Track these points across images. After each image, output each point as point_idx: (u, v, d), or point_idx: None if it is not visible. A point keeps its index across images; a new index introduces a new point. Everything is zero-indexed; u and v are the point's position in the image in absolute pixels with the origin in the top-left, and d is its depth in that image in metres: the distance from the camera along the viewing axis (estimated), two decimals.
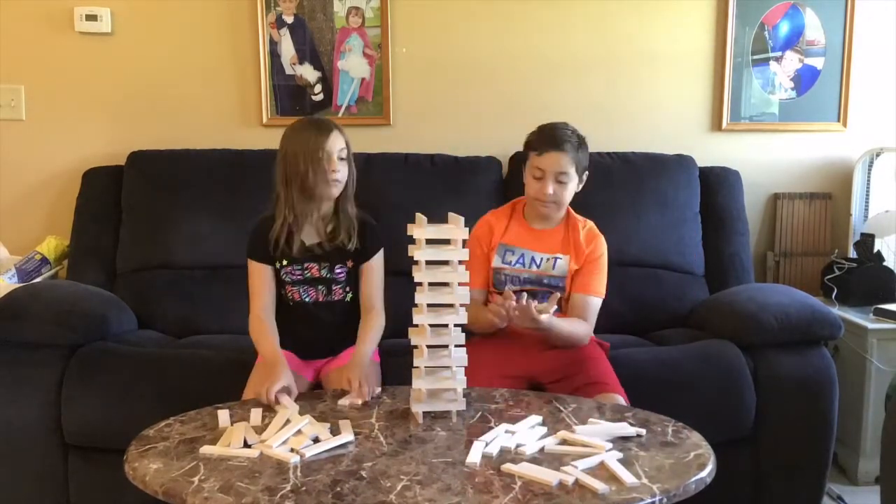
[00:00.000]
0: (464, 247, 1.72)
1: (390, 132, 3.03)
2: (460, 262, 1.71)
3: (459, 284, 1.72)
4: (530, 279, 2.19)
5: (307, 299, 2.14)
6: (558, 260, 2.19)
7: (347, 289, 2.15)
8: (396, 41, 3.02)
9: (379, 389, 1.92)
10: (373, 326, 2.10)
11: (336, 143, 2.08)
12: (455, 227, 1.71)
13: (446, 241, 1.72)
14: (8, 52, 2.93)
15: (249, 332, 2.11)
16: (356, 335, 2.10)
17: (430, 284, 1.72)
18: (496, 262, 2.21)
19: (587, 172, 2.22)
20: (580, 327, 2.16)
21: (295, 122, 2.17)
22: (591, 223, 2.26)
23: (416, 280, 1.71)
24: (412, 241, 1.71)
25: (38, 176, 2.98)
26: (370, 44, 3.00)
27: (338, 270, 2.14)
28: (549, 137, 2.15)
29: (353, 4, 2.98)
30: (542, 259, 2.19)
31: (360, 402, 1.82)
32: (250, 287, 2.15)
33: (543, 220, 2.23)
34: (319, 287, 2.13)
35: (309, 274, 2.12)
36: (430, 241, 1.71)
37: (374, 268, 2.16)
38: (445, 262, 1.72)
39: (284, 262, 2.12)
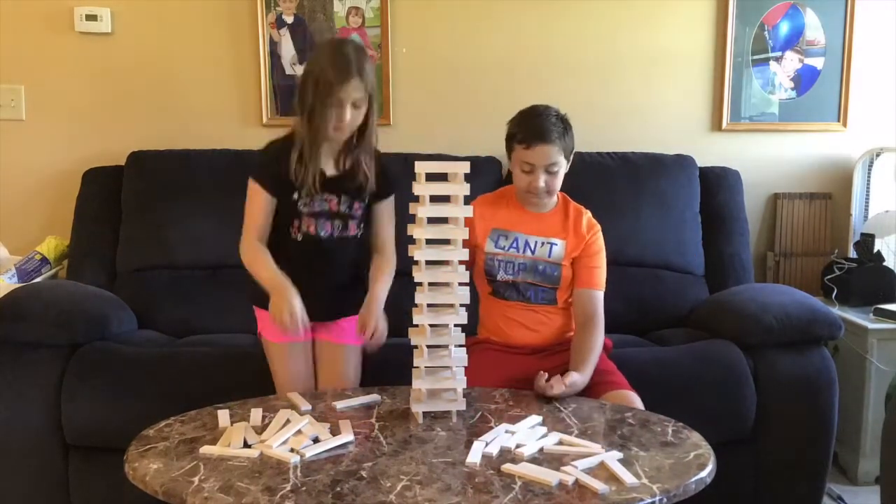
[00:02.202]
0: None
1: (390, 132, 3.03)
2: (460, 263, 1.72)
3: (459, 284, 1.72)
4: (525, 265, 2.13)
5: (322, 233, 2.03)
6: (554, 246, 2.14)
7: (361, 225, 2.08)
8: (396, 41, 3.01)
9: (385, 334, 2.00)
10: (387, 269, 2.06)
11: (352, 93, 1.93)
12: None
13: (446, 242, 1.72)
14: (8, 52, 2.93)
15: (243, 258, 2.01)
16: (360, 281, 2.03)
17: (430, 284, 1.72)
18: (489, 247, 2.14)
19: (573, 153, 2.15)
20: (593, 340, 2.07)
21: (326, 45, 2.08)
22: (588, 211, 2.21)
23: (416, 280, 1.71)
24: (412, 241, 1.72)
25: (38, 176, 2.98)
26: (370, 44, 2.99)
27: (356, 206, 2.05)
28: (534, 129, 2.06)
29: (353, 4, 2.98)
30: (535, 243, 2.14)
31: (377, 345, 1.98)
32: (248, 212, 2.03)
33: (536, 206, 2.18)
34: (336, 221, 2.04)
35: (327, 207, 2.02)
36: (430, 242, 1.71)
37: (389, 209, 2.10)
38: (445, 262, 1.72)
39: (303, 193, 2.00)
